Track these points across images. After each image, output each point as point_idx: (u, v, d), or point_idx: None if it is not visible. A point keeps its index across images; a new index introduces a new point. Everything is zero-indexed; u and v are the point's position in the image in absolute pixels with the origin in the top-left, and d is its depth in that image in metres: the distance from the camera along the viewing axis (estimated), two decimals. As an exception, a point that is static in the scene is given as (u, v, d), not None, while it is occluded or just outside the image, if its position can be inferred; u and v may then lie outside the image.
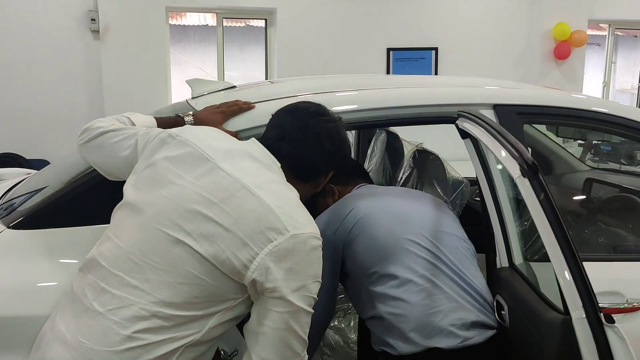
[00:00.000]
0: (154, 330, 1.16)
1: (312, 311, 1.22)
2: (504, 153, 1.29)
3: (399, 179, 2.39)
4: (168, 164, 1.29)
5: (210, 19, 8.35)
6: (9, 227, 1.57)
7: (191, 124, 1.60)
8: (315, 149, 1.40)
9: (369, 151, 2.89)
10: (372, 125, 2.38)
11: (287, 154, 1.37)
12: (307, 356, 1.26)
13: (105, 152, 1.42)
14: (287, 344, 1.20)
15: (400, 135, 2.75)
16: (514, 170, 1.19)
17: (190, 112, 1.63)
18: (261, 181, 1.25)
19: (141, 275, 1.19)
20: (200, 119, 1.61)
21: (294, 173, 1.38)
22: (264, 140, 1.40)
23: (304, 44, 5.50)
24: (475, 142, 1.66)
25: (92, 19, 4.97)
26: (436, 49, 5.84)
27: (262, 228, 1.18)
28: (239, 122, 1.67)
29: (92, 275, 1.24)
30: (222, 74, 5.71)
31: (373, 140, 2.86)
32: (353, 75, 2.48)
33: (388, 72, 5.78)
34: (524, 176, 1.08)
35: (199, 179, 1.24)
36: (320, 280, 1.24)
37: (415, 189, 2.42)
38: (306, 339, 1.23)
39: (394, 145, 2.70)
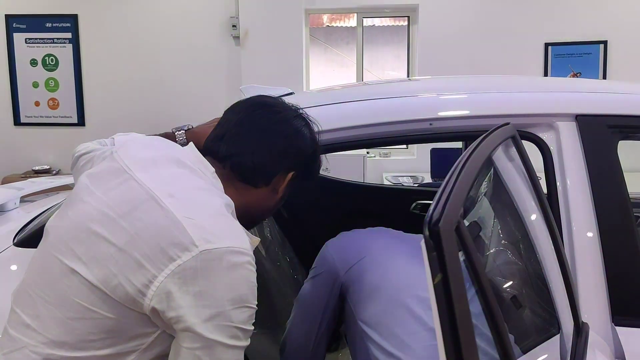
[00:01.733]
0: None
1: (239, 345, 0.98)
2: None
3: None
4: (86, 181, 1.12)
5: (371, 21, 8.24)
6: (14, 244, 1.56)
7: (182, 141, 1.45)
8: (258, 145, 1.19)
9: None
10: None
11: (226, 154, 1.18)
12: None
13: (75, 176, 1.32)
14: None
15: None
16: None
17: (185, 127, 1.47)
18: (177, 189, 1.04)
19: (33, 311, 1.02)
20: (196, 135, 1.45)
21: (239, 176, 1.18)
22: (204, 143, 1.24)
23: (448, 41, 5.10)
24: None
25: (233, 25, 5.10)
26: (605, 43, 5.05)
27: (163, 245, 0.95)
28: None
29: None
30: (360, 74, 5.55)
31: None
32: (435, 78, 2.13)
33: (546, 71, 5.14)
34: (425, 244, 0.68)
35: (107, 193, 1.06)
36: (250, 305, 0.99)
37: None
38: None
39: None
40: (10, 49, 5.35)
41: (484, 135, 1.11)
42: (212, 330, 0.95)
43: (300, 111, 1.29)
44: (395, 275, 1.33)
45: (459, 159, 0.96)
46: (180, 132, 1.44)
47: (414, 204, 2.57)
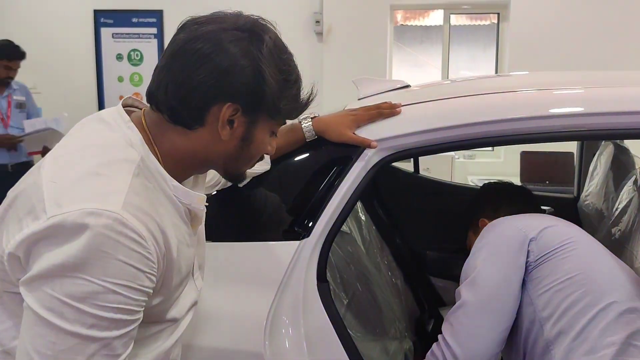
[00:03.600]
0: None
1: (59, 324, 0.80)
2: None
3: (615, 208, 1.82)
4: None
5: (455, 19, 7.99)
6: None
7: (310, 131, 1.36)
8: (170, 76, 0.94)
9: (591, 167, 2.31)
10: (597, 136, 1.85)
11: (147, 94, 0.98)
12: None
13: None
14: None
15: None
16: None
17: (311, 115, 1.38)
18: (68, 150, 0.93)
19: None
20: (323, 123, 1.35)
21: (169, 119, 0.96)
22: None
23: (542, 38, 4.85)
24: None
25: (316, 21, 5.03)
26: None
27: (21, 215, 0.85)
28: (378, 129, 1.37)
29: None
30: (446, 72, 5.37)
31: (596, 155, 2.28)
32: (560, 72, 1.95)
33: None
34: None
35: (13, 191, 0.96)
36: (89, 279, 0.80)
37: (633, 225, 1.81)
38: None
39: (621, 163, 2.10)
40: (97, 44, 5.47)
41: None
42: (28, 292, 0.82)
43: (247, 22, 0.99)
44: (600, 273, 1.27)
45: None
46: (307, 123, 1.36)
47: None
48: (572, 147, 3.25)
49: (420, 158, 2.55)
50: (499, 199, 1.70)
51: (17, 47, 4.12)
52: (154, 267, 0.88)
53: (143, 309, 0.89)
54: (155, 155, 0.95)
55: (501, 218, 1.46)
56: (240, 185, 1.39)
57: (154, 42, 5.42)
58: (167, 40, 5.45)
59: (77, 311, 0.80)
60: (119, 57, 5.46)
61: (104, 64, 5.48)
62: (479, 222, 1.67)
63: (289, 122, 1.37)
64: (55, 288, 0.80)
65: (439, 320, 2.22)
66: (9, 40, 4.15)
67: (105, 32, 5.45)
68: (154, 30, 5.39)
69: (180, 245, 0.98)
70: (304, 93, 1.05)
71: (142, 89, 5.46)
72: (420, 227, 2.39)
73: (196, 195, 0.99)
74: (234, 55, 0.93)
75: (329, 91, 5.03)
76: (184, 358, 1.25)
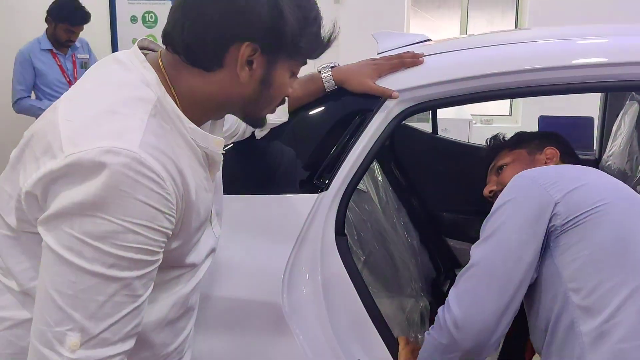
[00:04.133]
0: None
1: (77, 262, 0.80)
2: None
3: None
4: None
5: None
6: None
7: (328, 78, 1.33)
8: (188, 17, 0.91)
9: (614, 127, 2.26)
10: (621, 87, 1.79)
11: (164, 35, 0.95)
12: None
13: None
14: (41, 307, 0.83)
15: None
16: None
17: (331, 64, 1.35)
18: (83, 88, 0.92)
19: None
20: (343, 73, 1.32)
21: (186, 59, 0.93)
22: None
23: (563, 3, 4.72)
24: None
25: (333, -17, 4.94)
26: None
27: (37, 154, 0.84)
28: (400, 80, 1.34)
29: None
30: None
31: (620, 115, 2.23)
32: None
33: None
34: None
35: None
36: (107, 218, 0.79)
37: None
38: (70, 312, 0.80)
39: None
40: (112, 6, 5.41)
41: None
42: (46, 232, 0.82)
43: None
44: (637, 245, 1.09)
45: None
46: (326, 72, 1.33)
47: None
48: (592, 111, 3.19)
49: (438, 119, 2.51)
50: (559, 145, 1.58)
51: (81, 9, 3.83)
52: (173, 209, 0.86)
53: (162, 250, 0.88)
54: (172, 97, 0.93)
55: (529, 170, 1.29)
56: (258, 137, 1.38)
57: (168, 4, 5.34)
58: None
59: (97, 250, 0.80)
60: (134, 19, 5.40)
61: (118, 27, 5.43)
62: (546, 150, 1.55)
63: (308, 71, 1.35)
64: (74, 227, 0.79)
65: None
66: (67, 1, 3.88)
67: (120, 3, 5.39)
68: (167, -8, 5.33)
69: (199, 189, 0.96)
70: (325, 31, 1.00)
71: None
72: (437, 189, 2.37)
73: (214, 138, 0.97)
74: None
75: (346, 54, 4.97)
76: (203, 308, 1.25)
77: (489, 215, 1.24)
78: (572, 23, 4.64)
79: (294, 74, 1.02)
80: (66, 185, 0.80)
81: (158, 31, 5.36)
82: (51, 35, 3.90)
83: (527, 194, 1.19)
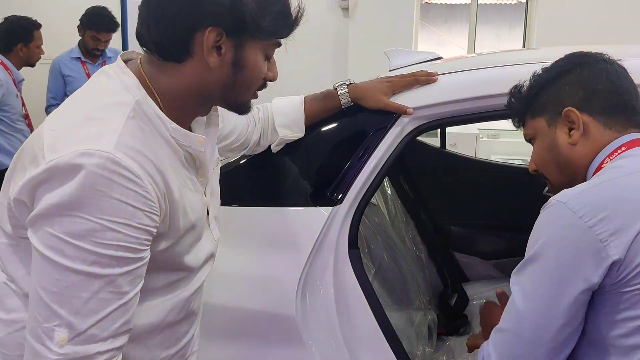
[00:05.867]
0: None
1: (63, 263, 0.83)
2: None
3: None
4: None
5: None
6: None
7: (345, 96, 1.36)
8: (150, 8, 0.93)
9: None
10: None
11: (137, 35, 0.96)
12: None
13: None
14: (32, 304, 0.87)
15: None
16: None
17: (346, 82, 1.38)
18: (69, 101, 0.96)
19: None
20: (359, 90, 1.36)
21: (158, 56, 0.95)
22: None
23: (572, 18, 4.75)
24: None
25: (343, -4, 4.99)
26: None
27: (26, 164, 0.89)
28: (414, 97, 1.37)
29: None
30: (472, 51, 5.30)
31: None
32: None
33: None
34: None
35: None
36: (86, 217, 0.83)
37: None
38: (56, 309, 0.84)
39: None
40: (123, 7, 5.45)
41: None
42: (32, 233, 0.86)
43: None
44: None
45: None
46: (343, 89, 1.36)
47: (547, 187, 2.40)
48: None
49: (447, 134, 2.54)
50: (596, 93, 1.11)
51: (109, 17, 3.86)
52: (154, 206, 0.89)
53: (147, 248, 0.90)
54: (154, 98, 0.95)
55: (561, 195, 0.99)
56: (275, 150, 1.41)
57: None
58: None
59: (77, 248, 0.83)
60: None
61: (128, 28, 5.47)
62: (564, 112, 1.10)
63: (317, 82, 1.38)
64: (55, 227, 0.83)
65: (462, 295, 2.24)
66: (102, 7, 3.92)
67: (132, 2, 5.44)
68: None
69: (182, 188, 0.98)
70: (292, 9, 1.00)
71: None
72: (445, 203, 2.39)
73: (195, 136, 0.99)
74: None
75: (355, 66, 5.01)
76: (216, 317, 1.28)
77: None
78: (579, 39, 4.68)
79: (267, 57, 1.02)
80: (47, 189, 0.83)
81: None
82: (81, 43, 3.96)
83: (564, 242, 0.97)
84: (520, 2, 5.40)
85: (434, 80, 1.37)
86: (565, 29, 4.75)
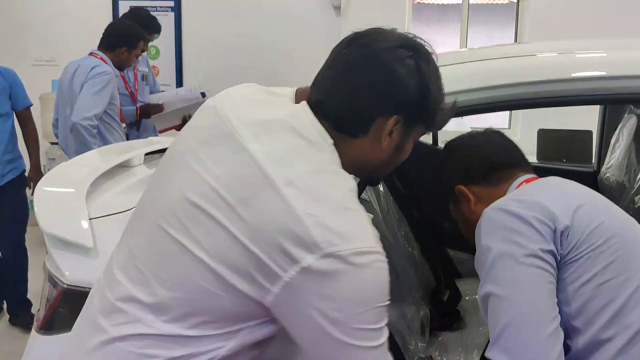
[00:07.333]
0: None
1: (374, 345, 0.94)
2: None
3: (638, 179, 1.81)
4: (189, 139, 1.07)
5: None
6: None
7: None
8: (343, 87, 1.02)
9: (613, 140, 2.30)
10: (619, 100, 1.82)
11: (315, 100, 1.04)
12: None
13: None
14: None
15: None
16: None
17: None
18: (297, 173, 0.95)
19: (149, 290, 0.99)
20: None
21: (333, 126, 1.03)
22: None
23: (563, 18, 4.77)
24: None
25: (335, -5, 5.00)
26: None
27: (285, 245, 0.90)
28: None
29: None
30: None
31: (619, 128, 2.27)
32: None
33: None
34: None
35: (218, 165, 0.99)
36: (382, 305, 0.93)
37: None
38: None
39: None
40: (115, 17, 5.46)
41: None
42: (343, 333, 0.92)
43: (410, 40, 1.06)
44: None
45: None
46: None
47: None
48: (591, 125, 3.23)
49: (439, 131, 2.54)
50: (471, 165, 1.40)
51: (155, 18, 4.02)
52: None
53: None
54: None
55: (491, 207, 1.20)
56: None
57: (171, 15, 5.40)
58: (184, 14, 5.40)
59: (378, 330, 0.94)
60: (136, 30, 5.46)
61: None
62: (455, 190, 1.40)
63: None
64: (364, 322, 0.92)
65: (455, 291, 2.24)
66: (147, 11, 4.02)
67: (123, 5, 5.41)
68: (171, 3, 5.38)
69: None
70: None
71: (159, 62, 5.46)
72: (437, 199, 2.39)
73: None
74: (405, 72, 1.01)
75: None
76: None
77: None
78: (571, 38, 4.69)
79: (415, 142, 1.12)
80: (333, 284, 0.90)
81: (161, 42, 5.40)
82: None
83: (527, 220, 1.14)
84: (512, 1, 5.41)
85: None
86: (556, 28, 4.76)
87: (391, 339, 1.37)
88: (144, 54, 4.03)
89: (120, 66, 3.68)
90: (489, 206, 1.18)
